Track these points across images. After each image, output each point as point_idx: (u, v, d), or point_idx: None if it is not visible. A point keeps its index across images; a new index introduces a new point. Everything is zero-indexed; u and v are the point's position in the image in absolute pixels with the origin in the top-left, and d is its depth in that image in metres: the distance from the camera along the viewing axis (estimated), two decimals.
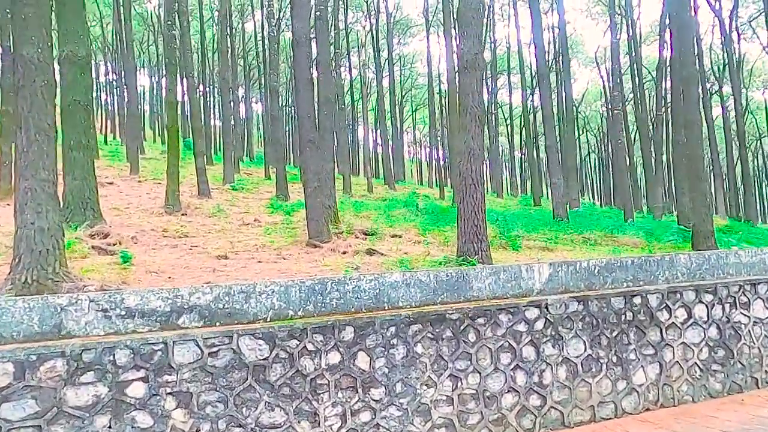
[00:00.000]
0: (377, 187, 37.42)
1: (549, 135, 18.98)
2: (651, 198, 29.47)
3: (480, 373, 6.49)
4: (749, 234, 16.28)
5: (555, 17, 44.86)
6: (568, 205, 24.11)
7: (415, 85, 72.89)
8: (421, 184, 64.70)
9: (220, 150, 44.56)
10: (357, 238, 13.45)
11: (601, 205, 60.08)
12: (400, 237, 13.61)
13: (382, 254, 10.76)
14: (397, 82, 63.12)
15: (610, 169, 56.47)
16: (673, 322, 7.63)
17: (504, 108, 65.06)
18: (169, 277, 8.32)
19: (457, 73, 9.51)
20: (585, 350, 7.04)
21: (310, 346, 5.82)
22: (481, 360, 6.53)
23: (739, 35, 43.57)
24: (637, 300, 7.44)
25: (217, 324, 5.83)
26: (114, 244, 11.21)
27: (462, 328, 6.48)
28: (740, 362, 8.02)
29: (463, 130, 9.08)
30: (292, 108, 41.30)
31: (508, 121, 64.18)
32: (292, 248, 11.32)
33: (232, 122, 35.64)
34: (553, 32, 47.03)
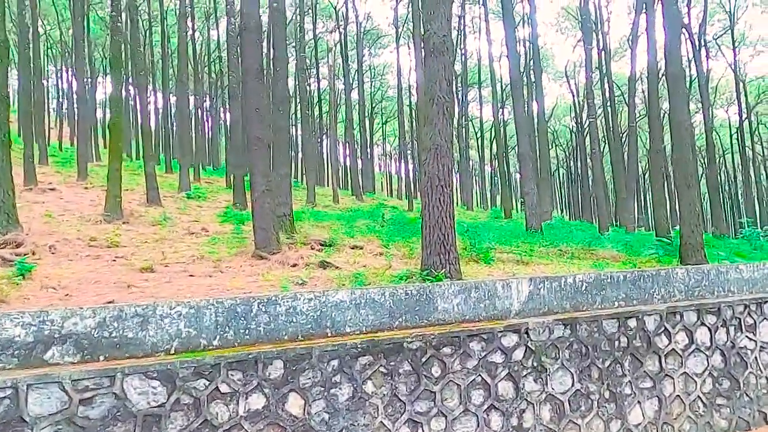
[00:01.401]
0: (344, 198, 36.02)
1: (522, 143, 18.00)
2: (622, 211, 28.83)
3: (446, 417, 5.19)
4: (730, 247, 15.54)
5: (526, 30, 44.58)
6: (541, 218, 23.20)
7: (385, 97, 72.02)
8: (391, 196, 63.60)
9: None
10: (312, 249, 12.09)
11: (570, 218, 59.89)
12: (361, 248, 12.31)
13: (336, 267, 9.45)
14: (367, 94, 62.12)
15: (579, 183, 56.35)
16: (673, 349, 6.48)
17: (474, 121, 64.58)
18: (67, 294, 6.85)
19: (423, 59, 8.24)
20: (573, 384, 5.81)
21: (224, 387, 4.44)
22: (448, 400, 5.23)
23: (707, 51, 43.90)
24: (632, 323, 6.27)
25: (101, 358, 4.41)
26: (25, 254, 9.62)
27: (424, 359, 5.18)
28: (747, 394, 6.91)
29: (428, 123, 7.85)
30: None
31: (479, 134, 63.71)
32: (235, 260, 9.93)
33: (192, 128, 33.92)
34: (525, 45, 46.72)
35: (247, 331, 4.89)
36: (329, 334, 5.17)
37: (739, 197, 56.51)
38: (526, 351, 5.63)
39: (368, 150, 56.11)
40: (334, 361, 4.84)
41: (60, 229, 12.83)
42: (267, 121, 11.29)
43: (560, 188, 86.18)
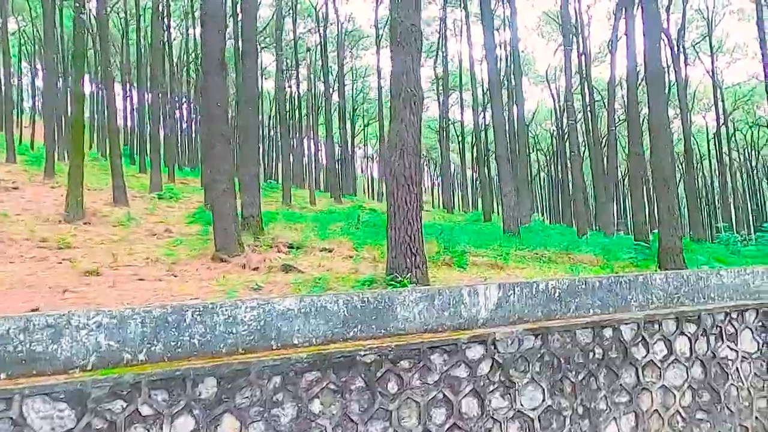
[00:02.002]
0: (322, 200, 35.47)
1: (499, 145, 17.62)
2: (601, 215, 28.69)
3: None
4: (708, 252, 15.34)
5: (507, 34, 44.49)
6: (519, 221, 22.88)
7: (367, 99, 71.54)
8: (372, 199, 63.18)
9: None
10: (279, 251, 11.54)
11: (550, 222, 59.97)
12: (330, 251, 11.80)
13: (300, 271, 8.92)
14: (349, 96, 61.56)
15: (560, 187, 56.44)
16: (651, 360, 6.06)
17: (456, 125, 64.41)
18: None
19: (389, 48, 7.75)
20: (543, 400, 5.35)
21: (145, 410, 3.89)
22: (405, 419, 4.74)
23: (685, 58, 44.23)
24: (608, 332, 5.84)
25: (2, 376, 3.83)
26: None
27: (379, 374, 4.68)
28: (728, 407, 6.52)
29: (394, 118, 7.35)
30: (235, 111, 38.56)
31: (460, 138, 63.54)
32: (193, 263, 9.34)
33: (162, 126, 33.05)
34: (505, 49, 46.62)
35: (178, 343, 4.35)
36: (274, 347, 4.64)
37: (716, 203, 57.04)
38: (493, 364, 5.16)
39: (349, 152, 55.59)
40: (277, 378, 4.32)
41: (11, 229, 12.11)
42: (232, 116, 10.68)
43: (541, 192, 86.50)
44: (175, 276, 8.31)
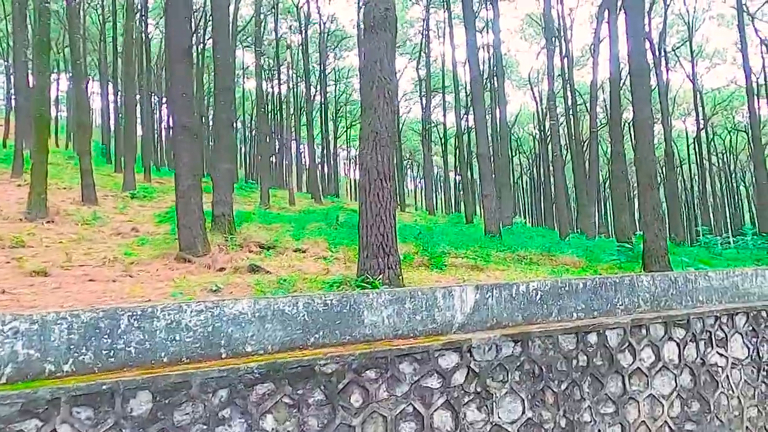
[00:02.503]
0: (302, 201, 34.87)
1: (481, 144, 17.25)
2: (584, 218, 28.53)
3: None
4: (691, 254, 15.11)
5: (491, 36, 44.34)
6: (501, 222, 22.55)
7: (350, 100, 71.03)
8: (355, 200, 62.68)
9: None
10: (251, 251, 11.01)
11: (533, 225, 59.99)
12: (304, 251, 11.30)
13: (267, 272, 8.41)
14: (332, 96, 60.98)
15: (542, 190, 56.47)
16: (638, 367, 5.66)
17: (439, 127, 64.17)
18: None
19: (363, 34, 7.28)
20: (523, 412, 4.91)
21: (65, 430, 3.37)
22: None
23: (667, 62, 44.47)
24: (593, 338, 5.43)
25: None
26: None
27: (341, 386, 4.20)
28: (718, 418, 6.15)
29: (367, 108, 6.87)
30: (211, 111, 37.48)
31: (443, 140, 63.32)
32: (154, 263, 8.77)
33: (140, 124, 32.23)
34: (488, 51, 46.45)
35: (112, 352, 3.82)
36: (224, 356, 4.14)
37: (695, 206, 57.54)
38: (468, 373, 4.71)
39: (331, 153, 55.06)
40: (223, 391, 3.81)
41: None
42: (195, 108, 10.14)
43: (524, 196, 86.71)
44: (131, 276, 7.74)
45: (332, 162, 57.87)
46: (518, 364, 4.95)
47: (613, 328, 5.54)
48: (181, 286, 7.10)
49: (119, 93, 43.33)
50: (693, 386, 6.03)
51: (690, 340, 6.08)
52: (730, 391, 6.32)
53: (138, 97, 32.52)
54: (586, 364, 5.32)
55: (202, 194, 10.18)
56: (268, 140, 38.88)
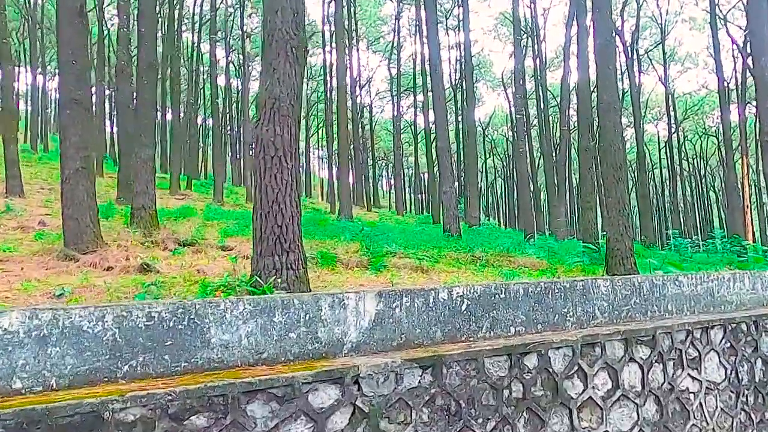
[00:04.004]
0: None
1: (441, 137, 16.04)
2: (554, 219, 27.63)
3: None
4: (661, 257, 14.16)
5: (461, 35, 43.40)
6: (466, 223, 21.44)
7: (321, 99, 69.46)
8: (324, 199, 61.14)
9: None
10: (166, 248, 9.59)
11: (505, 226, 59.30)
12: (228, 249, 9.95)
13: (158, 271, 7.06)
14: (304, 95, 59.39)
15: (515, 191, 55.79)
16: (590, 397, 4.44)
17: (412, 127, 63.09)
18: None
19: None
20: None
21: None
22: None
23: (639, 64, 44.07)
24: (531, 360, 4.19)
25: None
26: None
27: None
28: None
29: (265, 70, 5.54)
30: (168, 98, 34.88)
31: (413, 140, 62.26)
32: (29, 260, 7.32)
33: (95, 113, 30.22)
34: (459, 50, 45.47)
35: None
36: None
37: (666, 211, 57.48)
38: (354, 413, 3.42)
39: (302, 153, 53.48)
40: None
41: None
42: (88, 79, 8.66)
43: (498, 198, 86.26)
44: None
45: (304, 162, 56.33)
46: (427, 398, 3.67)
47: (559, 348, 4.31)
48: (29, 290, 5.69)
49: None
50: (659, 418, 4.84)
51: (656, 361, 4.89)
52: (704, 422, 5.15)
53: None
54: (522, 395, 4.07)
55: (95, 179, 8.75)
56: (222, 134, 37.17)
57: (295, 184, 5.54)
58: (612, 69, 9.16)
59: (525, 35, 46.39)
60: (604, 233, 12.03)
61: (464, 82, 37.53)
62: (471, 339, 4.29)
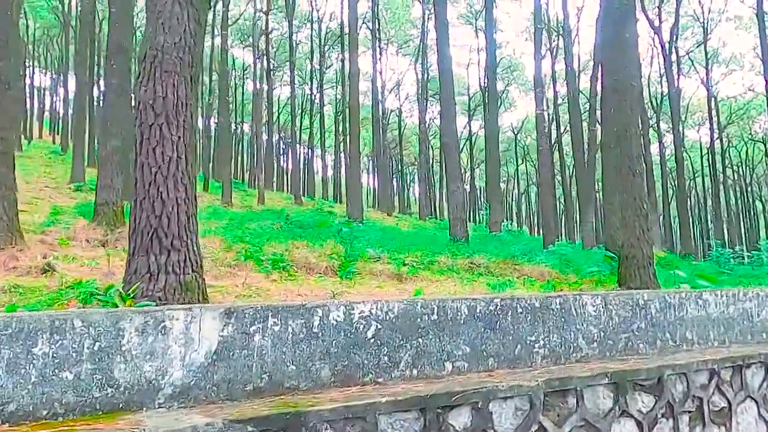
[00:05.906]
0: (278, 200, 32.38)
1: (446, 132, 14.58)
2: (584, 225, 25.80)
3: None
4: (694, 268, 12.44)
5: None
6: (488, 228, 20.00)
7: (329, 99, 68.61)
8: (335, 201, 59.98)
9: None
10: (116, 247, 8.51)
11: (537, 234, 57.16)
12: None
13: (55, 271, 5.95)
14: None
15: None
16: None
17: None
18: None
19: None
20: None
21: None
22: None
23: (679, 67, 41.56)
24: (461, 419, 2.79)
25: None
26: None
27: None
28: None
29: (149, 16, 4.22)
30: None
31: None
32: None
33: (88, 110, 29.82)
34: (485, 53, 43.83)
35: None
36: None
37: (709, 222, 54.36)
38: None
39: (306, 152, 52.91)
40: None
41: None
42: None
43: (530, 205, 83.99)
44: None
45: (309, 161, 55.45)
46: None
47: (508, 397, 2.90)
48: None
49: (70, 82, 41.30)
50: None
51: (663, 415, 3.41)
52: None
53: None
54: None
55: (14, 163, 7.71)
56: (231, 134, 36.51)
57: (184, 161, 4.25)
58: (631, 36, 7.58)
59: (557, 35, 44.68)
60: None
61: (487, 82, 35.94)
62: (380, 381, 2.93)
